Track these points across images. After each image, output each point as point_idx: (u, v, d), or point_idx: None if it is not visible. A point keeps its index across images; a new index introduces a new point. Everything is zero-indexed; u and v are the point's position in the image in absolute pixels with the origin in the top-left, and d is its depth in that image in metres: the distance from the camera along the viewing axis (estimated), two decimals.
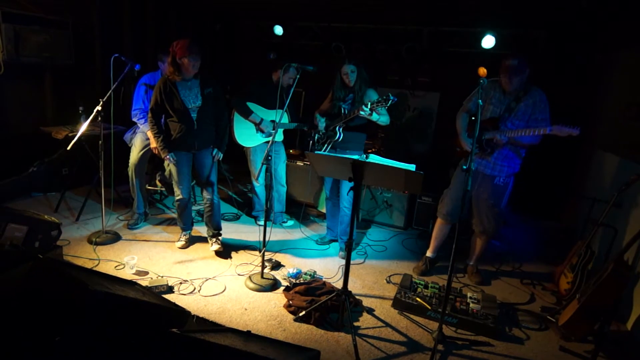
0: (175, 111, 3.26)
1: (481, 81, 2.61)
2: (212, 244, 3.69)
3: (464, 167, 2.36)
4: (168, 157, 3.35)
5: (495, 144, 3.07)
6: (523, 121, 3.03)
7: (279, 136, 4.17)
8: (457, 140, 3.36)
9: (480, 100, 2.45)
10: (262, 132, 4.01)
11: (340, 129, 3.50)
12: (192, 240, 3.82)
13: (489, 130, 3.10)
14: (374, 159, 2.47)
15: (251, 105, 3.95)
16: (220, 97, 3.45)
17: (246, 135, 4.03)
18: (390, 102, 3.01)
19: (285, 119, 4.10)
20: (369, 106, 3.12)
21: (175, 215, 3.89)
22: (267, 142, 3.77)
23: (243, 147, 4.13)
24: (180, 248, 3.68)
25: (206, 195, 3.62)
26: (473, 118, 3.27)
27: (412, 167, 2.35)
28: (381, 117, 3.33)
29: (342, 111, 3.49)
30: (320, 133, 3.68)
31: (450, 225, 3.46)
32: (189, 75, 3.20)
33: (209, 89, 3.33)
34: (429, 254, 3.61)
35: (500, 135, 3.02)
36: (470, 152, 3.11)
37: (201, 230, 4.12)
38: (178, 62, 3.10)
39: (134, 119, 3.88)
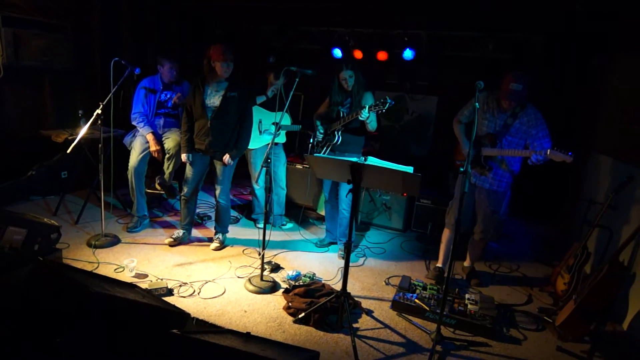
0: (196, 108, 3.44)
1: (477, 85, 2.65)
2: (213, 241, 3.84)
3: (461, 169, 2.39)
4: (184, 155, 3.54)
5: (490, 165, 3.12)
6: (517, 138, 3.05)
7: (281, 138, 4.20)
8: (457, 153, 3.38)
9: (477, 104, 2.48)
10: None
11: (339, 132, 3.53)
12: (190, 243, 3.85)
13: (488, 146, 3.11)
14: (373, 161, 2.49)
15: (253, 108, 3.99)
16: (244, 102, 3.48)
17: None
18: (387, 105, 3.06)
19: (287, 121, 4.13)
20: (366, 109, 3.17)
21: (177, 218, 3.93)
22: (268, 144, 3.81)
23: None
24: (168, 245, 3.72)
25: (215, 196, 3.73)
26: (476, 135, 3.28)
27: (410, 169, 2.37)
28: (371, 123, 3.37)
29: (341, 115, 3.52)
30: (319, 137, 3.71)
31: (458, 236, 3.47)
32: (221, 78, 3.37)
33: (233, 93, 3.39)
34: (439, 264, 3.56)
35: (491, 162, 3.11)
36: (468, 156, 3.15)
37: (200, 233, 4.13)
38: (212, 65, 3.30)
39: (134, 122, 3.90)
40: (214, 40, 6.04)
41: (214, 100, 3.40)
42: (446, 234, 3.49)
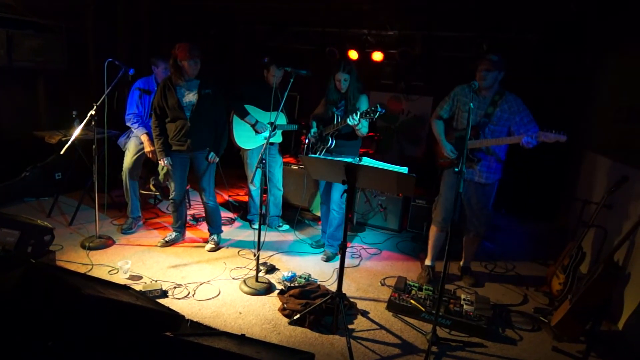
0: (171, 109, 3.35)
1: (473, 84, 2.67)
2: (208, 242, 3.82)
3: (456, 169, 2.38)
4: (164, 160, 3.44)
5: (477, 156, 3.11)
6: (499, 126, 3.05)
7: (277, 138, 4.19)
8: (438, 152, 3.35)
9: (472, 104, 2.49)
10: (259, 132, 4.03)
11: (333, 137, 3.52)
12: (184, 244, 3.84)
13: (471, 139, 3.09)
14: (367, 161, 2.48)
15: (248, 108, 3.97)
16: (219, 99, 3.48)
17: (245, 137, 4.04)
18: (378, 114, 3.04)
19: (282, 120, 4.12)
20: (357, 116, 3.16)
21: (170, 219, 3.92)
22: (263, 144, 3.79)
23: (240, 150, 4.14)
24: (159, 246, 3.72)
25: (203, 198, 3.69)
26: (459, 130, 3.24)
27: (404, 169, 2.37)
28: (362, 128, 3.36)
29: (336, 118, 3.50)
30: (314, 139, 3.70)
31: (445, 232, 3.45)
32: (190, 77, 3.30)
33: (207, 90, 3.37)
34: (428, 262, 3.56)
35: (478, 154, 3.10)
36: (453, 158, 3.14)
37: (195, 234, 4.11)
38: (179, 64, 3.22)
39: (128, 123, 3.88)
40: (210, 40, 6.08)
41: (190, 98, 3.34)
42: (433, 231, 3.48)
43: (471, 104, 2.49)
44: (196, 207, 4.73)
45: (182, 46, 3.19)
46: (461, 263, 3.64)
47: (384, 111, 3.03)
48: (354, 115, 3.19)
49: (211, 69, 3.39)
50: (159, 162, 3.52)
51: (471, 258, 3.59)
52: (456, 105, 3.22)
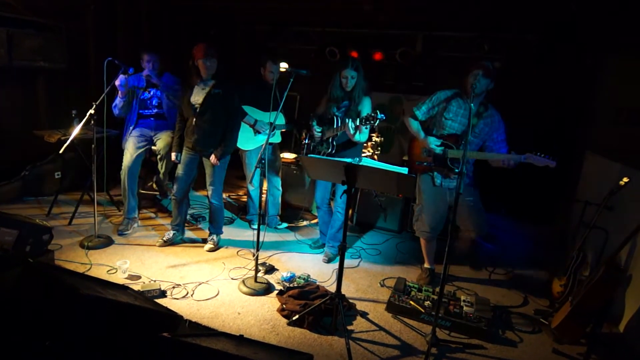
0: (184, 107, 3.48)
1: (473, 86, 2.66)
2: (207, 242, 3.82)
3: (456, 170, 2.38)
4: (173, 155, 3.65)
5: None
6: (478, 138, 3.06)
7: (276, 138, 4.18)
8: (414, 154, 3.29)
9: (472, 105, 2.48)
10: (258, 132, 4.02)
11: (333, 142, 3.50)
12: (183, 244, 3.84)
13: (453, 148, 3.07)
14: (367, 162, 2.48)
15: (247, 109, 3.96)
16: (229, 100, 3.47)
17: (243, 138, 4.02)
18: (377, 121, 3.01)
19: (281, 120, 4.10)
20: (353, 127, 3.15)
21: (169, 219, 3.92)
22: (262, 145, 3.78)
23: (239, 150, 4.13)
24: (158, 246, 3.71)
25: (208, 197, 3.72)
26: (438, 137, 3.15)
27: (404, 170, 2.36)
28: (361, 136, 3.32)
29: (335, 121, 3.46)
30: (315, 142, 3.67)
31: (435, 239, 3.41)
32: (206, 76, 3.37)
33: (217, 90, 3.39)
34: (427, 265, 3.52)
35: (458, 163, 3.04)
36: (438, 152, 3.10)
37: (194, 234, 4.11)
38: (195, 64, 3.32)
39: (114, 111, 3.85)
40: (210, 41, 6.07)
41: (198, 97, 3.40)
42: (423, 244, 3.43)
43: (472, 105, 2.47)
44: (195, 207, 4.72)
45: (199, 46, 3.29)
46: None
47: (384, 117, 2.98)
48: (350, 122, 3.17)
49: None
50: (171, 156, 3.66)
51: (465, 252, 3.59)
52: (437, 110, 3.16)
